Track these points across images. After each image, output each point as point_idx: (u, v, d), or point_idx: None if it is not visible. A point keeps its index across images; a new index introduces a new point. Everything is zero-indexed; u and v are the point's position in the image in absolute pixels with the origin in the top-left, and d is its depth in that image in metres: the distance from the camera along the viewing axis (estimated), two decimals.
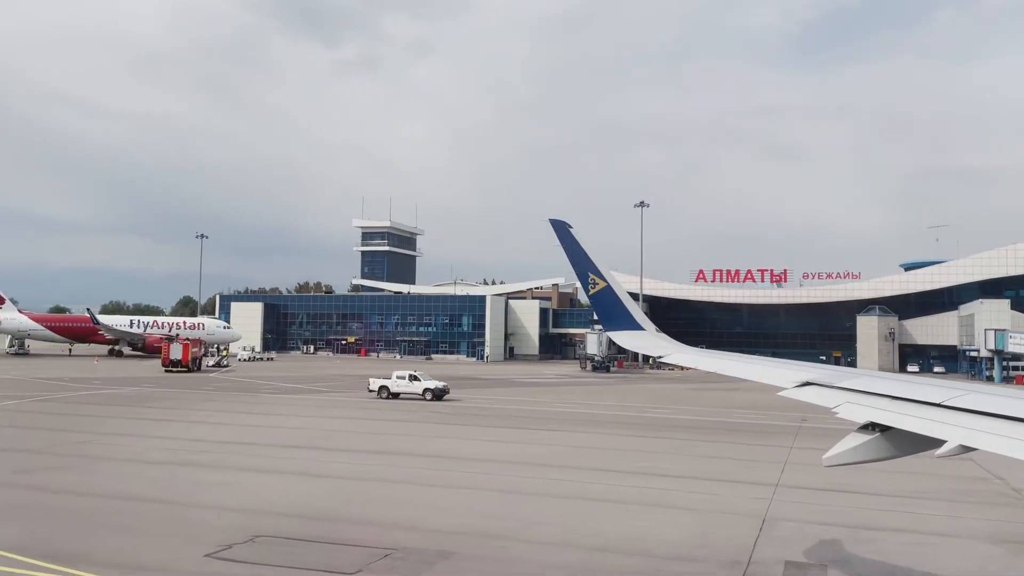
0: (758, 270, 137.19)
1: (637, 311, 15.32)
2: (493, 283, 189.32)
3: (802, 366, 11.54)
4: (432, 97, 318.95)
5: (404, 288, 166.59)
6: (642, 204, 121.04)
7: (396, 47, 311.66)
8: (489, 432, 39.51)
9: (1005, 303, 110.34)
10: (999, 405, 7.26)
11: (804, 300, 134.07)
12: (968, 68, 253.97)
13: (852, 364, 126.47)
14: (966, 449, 6.81)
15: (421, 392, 53.96)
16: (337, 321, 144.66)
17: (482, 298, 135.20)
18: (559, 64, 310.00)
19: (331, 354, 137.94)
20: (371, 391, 55.44)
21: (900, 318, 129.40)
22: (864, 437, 8.02)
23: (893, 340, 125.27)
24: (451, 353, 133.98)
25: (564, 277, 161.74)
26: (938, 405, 7.75)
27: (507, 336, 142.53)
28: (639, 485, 25.73)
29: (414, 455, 31.15)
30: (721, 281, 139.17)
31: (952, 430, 7.09)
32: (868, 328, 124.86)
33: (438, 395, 53.99)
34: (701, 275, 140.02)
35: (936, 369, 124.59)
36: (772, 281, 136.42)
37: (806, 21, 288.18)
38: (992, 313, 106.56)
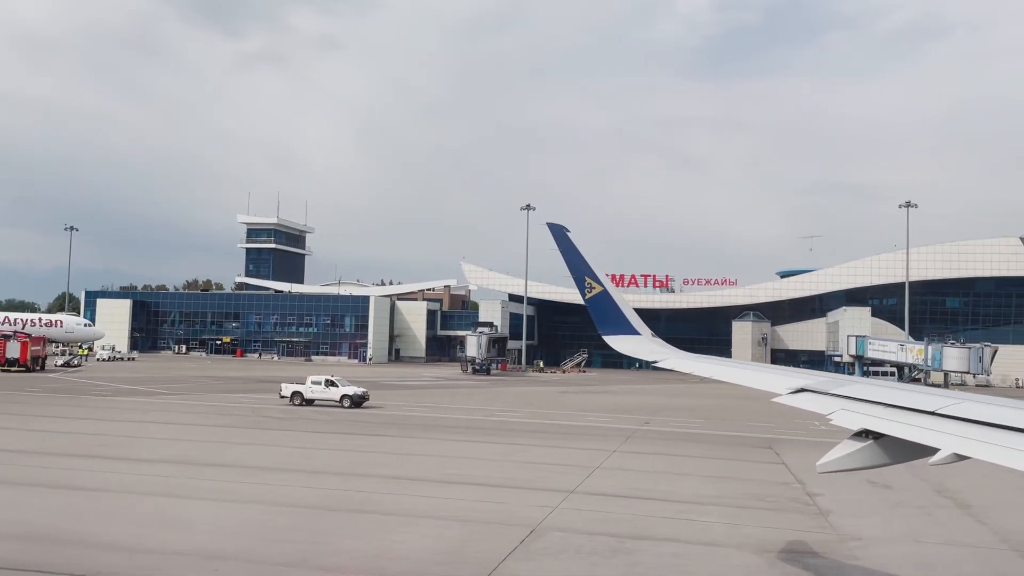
0: (642, 275, 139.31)
1: (633, 316, 15.17)
2: (391, 283, 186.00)
3: (797, 372, 11.47)
4: (338, 94, 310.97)
5: (291, 287, 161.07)
6: (528, 207, 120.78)
7: (302, 41, 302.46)
8: (305, 438, 37.27)
9: (866, 311, 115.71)
10: (992, 414, 7.23)
11: (685, 305, 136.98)
12: (857, 88, 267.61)
13: None
14: (960, 457, 6.76)
15: (338, 398, 50.28)
16: (213, 320, 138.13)
17: (365, 298, 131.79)
18: (469, 67, 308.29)
19: (204, 355, 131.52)
20: (283, 396, 51.77)
21: (774, 324, 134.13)
22: (857, 444, 7.94)
23: (766, 345, 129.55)
24: (332, 355, 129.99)
25: (456, 279, 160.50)
26: (932, 413, 7.71)
27: (393, 337, 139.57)
28: (426, 494, 24.17)
29: (207, 464, 28.70)
30: None
31: (945, 438, 7.05)
32: (742, 333, 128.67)
33: (357, 402, 50.39)
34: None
35: None
36: (655, 286, 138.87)
37: (710, 36, 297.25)
38: (854, 320, 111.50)
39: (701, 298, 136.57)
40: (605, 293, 15.02)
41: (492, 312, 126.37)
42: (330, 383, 51.06)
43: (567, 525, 20.66)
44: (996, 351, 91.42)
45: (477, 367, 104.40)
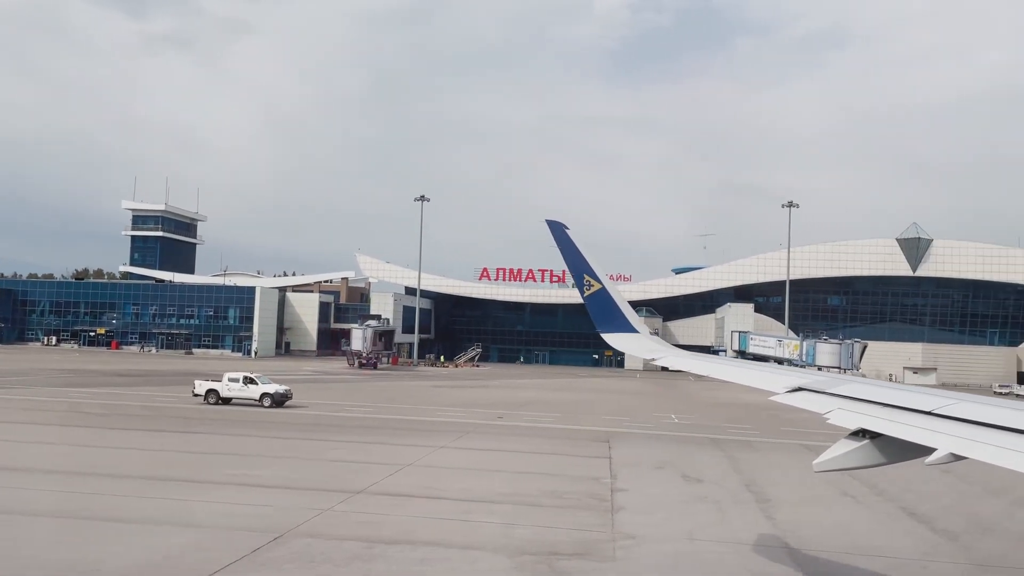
0: (539, 270, 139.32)
1: (632, 314, 14.93)
2: (293, 275, 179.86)
3: (794, 371, 11.35)
4: (248, 80, 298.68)
5: (173, 277, 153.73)
6: (422, 198, 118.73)
7: (211, 24, 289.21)
8: (133, 438, 34.42)
9: (749, 307, 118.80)
10: (989, 414, 7.24)
11: (581, 300, 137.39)
12: (764, 93, 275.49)
13: (621, 364, 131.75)
14: (957, 457, 6.78)
15: (258, 397, 46.78)
16: (87, 311, 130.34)
17: (251, 289, 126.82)
18: (386, 58, 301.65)
19: (76, 346, 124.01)
20: (196, 395, 48.12)
21: (667, 319, 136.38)
22: (854, 444, 7.91)
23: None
24: (215, 347, 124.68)
25: (355, 271, 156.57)
26: (929, 413, 7.72)
27: (283, 330, 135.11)
28: (188, 498, 22.03)
29: None
30: (504, 280, 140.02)
31: (942, 438, 7.07)
32: None
33: (279, 401, 46.91)
34: (485, 273, 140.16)
35: None
36: (552, 281, 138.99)
37: (625, 38, 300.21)
38: (738, 316, 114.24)
39: None
40: (604, 291, 14.74)
41: (384, 305, 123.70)
42: (249, 380, 47.71)
43: (321, 530, 19.01)
44: (866, 347, 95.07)
45: (364, 361, 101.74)
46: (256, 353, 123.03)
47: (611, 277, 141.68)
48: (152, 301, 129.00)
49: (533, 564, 16.89)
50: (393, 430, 39.02)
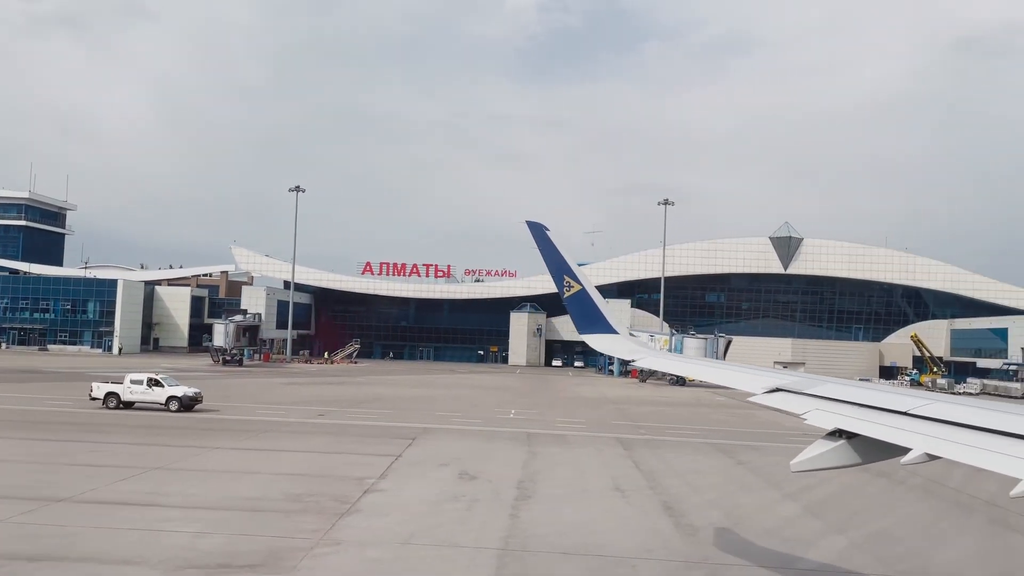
0: (424, 264, 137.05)
1: (612, 316, 14.80)
2: (181, 267, 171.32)
3: (772, 372, 11.29)
4: (143, 65, 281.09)
5: (40, 269, 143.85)
6: (297, 189, 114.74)
7: (106, 6, 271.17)
8: None
9: (626, 303, 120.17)
10: (963, 415, 7.24)
11: (467, 296, 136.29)
12: (669, 96, 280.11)
13: (506, 360, 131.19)
14: (931, 457, 6.80)
15: (164, 401, 42.92)
16: None
17: (113, 282, 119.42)
18: (292, 48, 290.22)
19: None
20: (94, 398, 43.51)
21: (553, 315, 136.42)
22: (831, 444, 7.87)
23: (541, 336, 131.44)
24: (73, 343, 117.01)
25: (234, 265, 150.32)
26: (904, 414, 7.76)
27: (151, 326, 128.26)
28: None
29: None
30: (388, 275, 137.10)
31: (917, 438, 7.10)
32: (519, 324, 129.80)
33: (187, 404, 43.10)
34: (368, 268, 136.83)
35: (577, 364, 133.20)
36: (437, 276, 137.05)
37: (535, 36, 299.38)
38: (616, 311, 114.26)
39: (482, 289, 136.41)
40: (584, 292, 14.54)
41: (256, 299, 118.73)
42: (154, 383, 43.73)
43: None
44: (730, 342, 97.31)
45: (228, 358, 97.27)
46: (121, 350, 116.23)
47: (497, 273, 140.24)
48: (2, 294, 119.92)
49: None
50: (185, 430, 36.29)
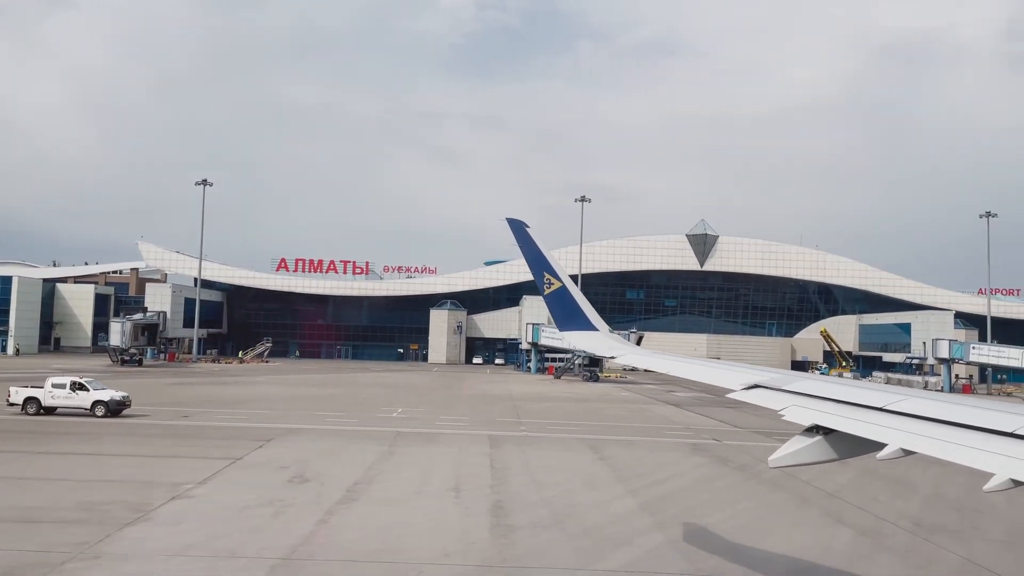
0: (341, 261, 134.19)
1: (592, 312, 14.65)
2: (96, 263, 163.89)
3: (750, 369, 10.96)
4: (65, 56, 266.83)
5: None
6: (204, 182, 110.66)
7: None
8: None
9: (540, 299, 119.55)
10: (938, 410, 7.37)
11: (386, 293, 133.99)
12: (604, 95, 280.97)
13: (426, 358, 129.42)
14: (907, 452, 6.87)
15: (90, 406, 40.00)
16: None
17: (8, 279, 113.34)
18: (222, 41, 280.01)
19: None
20: (12, 404, 40.37)
21: (475, 312, 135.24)
22: (808, 440, 7.95)
23: (461, 333, 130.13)
24: None
25: (145, 262, 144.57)
26: (880, 409, 7.82)
27: (52, 325, 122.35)
28: None
29: None
30: (304, 271, 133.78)
31: (893, 434, 7.15)
32: (439, 321, 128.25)
33: (114, 409, 40.19)
34: (283, 264, 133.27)
35: (497, 361, 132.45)
36: (355, 272, 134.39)
37: (473, 34, 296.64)
38: (534, 308, 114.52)
39: (401, 286, 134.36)
40: (564, 289, 14.48)
41: (161, 297, 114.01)
42: (78, 386, 40.82)
43: None
44: (641, 337, 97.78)
45: (126, 358, 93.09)
46: (18, 351, 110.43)
47: (417, 270, 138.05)
48: None
49: None
50: (32, 433, 33.82)
